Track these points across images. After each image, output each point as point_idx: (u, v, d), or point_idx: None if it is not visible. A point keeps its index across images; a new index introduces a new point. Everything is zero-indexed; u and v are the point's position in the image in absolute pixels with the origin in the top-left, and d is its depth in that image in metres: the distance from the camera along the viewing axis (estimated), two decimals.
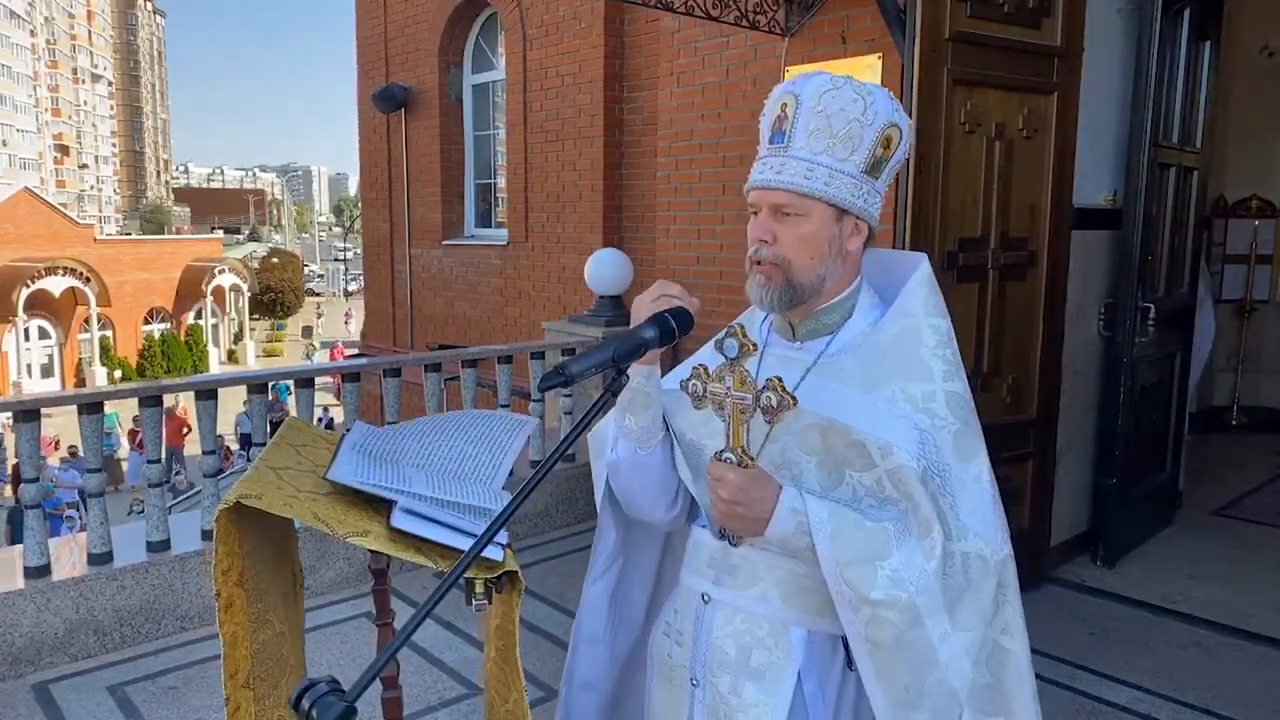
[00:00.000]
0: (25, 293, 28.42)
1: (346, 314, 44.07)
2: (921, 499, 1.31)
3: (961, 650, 1.33)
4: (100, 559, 3.81)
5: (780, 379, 1.27)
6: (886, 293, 1.48)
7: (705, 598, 1.49)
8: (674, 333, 1.43)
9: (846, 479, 1.36)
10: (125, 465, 19.24)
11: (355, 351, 13.75)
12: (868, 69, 4.44)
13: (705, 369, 1.34)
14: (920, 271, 1.45)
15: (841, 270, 1.42)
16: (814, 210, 1.37)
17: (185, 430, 18.63)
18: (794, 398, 1.26)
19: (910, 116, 3.41)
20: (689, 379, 1.36)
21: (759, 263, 1.40)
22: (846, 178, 1.37)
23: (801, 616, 1.42)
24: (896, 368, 1.38)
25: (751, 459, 1.33)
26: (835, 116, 1.36)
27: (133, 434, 18.61)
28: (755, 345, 1.29)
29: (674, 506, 1.57)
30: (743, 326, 1.30)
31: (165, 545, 3.95)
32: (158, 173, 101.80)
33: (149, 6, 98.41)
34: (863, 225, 1.41)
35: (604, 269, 5.90)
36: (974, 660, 1.34)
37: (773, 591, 1.43)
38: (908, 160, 3.49)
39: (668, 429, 1.54)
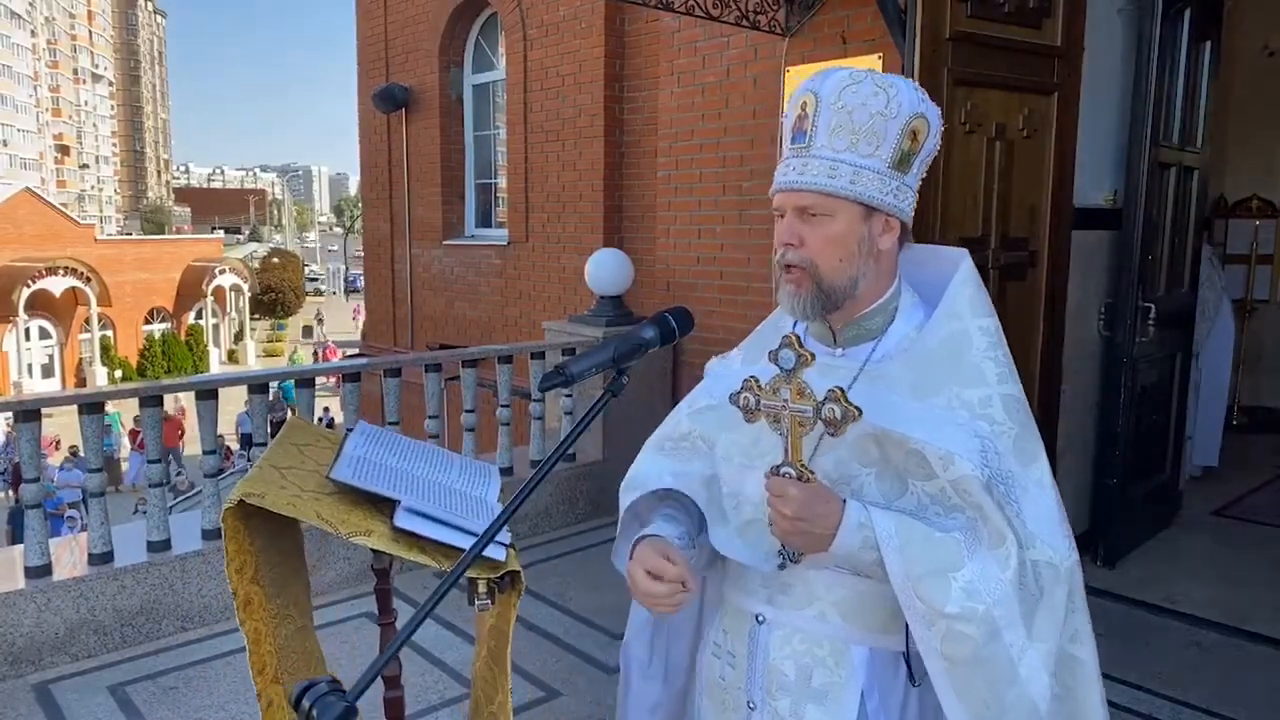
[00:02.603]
0: (26, 293, 28.43)
1: (355, 311, 43.90)
2: (990, 508, 1.26)
3: (1039, 663, 1.28)
4: (101, 559, 3.81)
5: (842, 389, 1.21)
6: (925, 290, 1.43)
7: (759, 618, 1.44)
8: (674, 333, 1.44)
9: (910, 488, 1.31)
10: (125, 466, 19.24)
11: (355, 351, 13.74)
12: (867, 69, 4.45)
13: (757, 381, 1.27)
14: (964, 269, 1.40)
15: (876, 271, 1.36)
16: (840, 210, 1.31)
17: (180, 432, 18.66)
18: (858, 409, 1.20)
19: None
20: (739, 392, 1.29)
21: (788, 269, 1.34)
22: (872, 174, 1.31)
23: (863, 635, 1.37)
24: (949, 373, 1.32)
25: (811, 473, 1.27)
26: (857, 112, 1.30)
27: (133, 434, 18.63)
28: (812, 356, 1.23)
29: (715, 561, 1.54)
30: (798, 336, 1.25)
31: (166, 545, 3.96)
32: (158, 173, 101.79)
33: (149, 6, 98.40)
34: (894, 222, 1.35)
35: (604, 269, 5.90)
36: (1052, 673, 1.29)
37: (832, 611, 1.38)
38: None
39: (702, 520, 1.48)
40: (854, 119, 1.31)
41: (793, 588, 1.40)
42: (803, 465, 1.27)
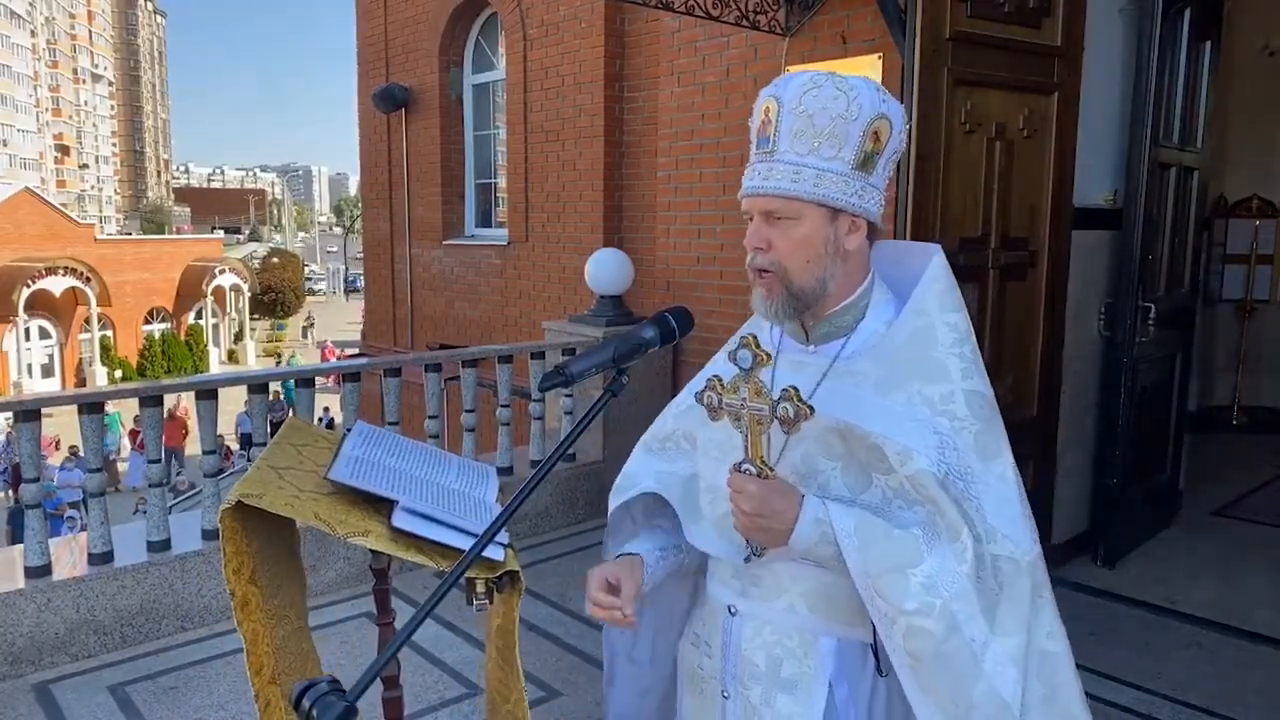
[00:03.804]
0: (26, 293, 28.41)
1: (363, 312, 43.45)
2: (945, 503, 1.28)
3: (1006, 657, 1.29)
4: (101, 559, 3.81)
5: (796, 389, 1.25)
6: (901, 287, 1.44)
7: (732, 610, 1.47)
8: (674, 333, 1.44)
9: (874, 481, 1.33)
10: (121, 467, 19.16)
11: (355, 351, 13.74)
12: (868, 69, 4.44)
13: (720, 380, 1.31)
14: (934, 265, 1.41)
15: (845, 270, 1.39)
16: (805, 212, 1.34)
17: (184, 431, 18.66)
18: (810, 407, 1.24)
19: (910, 115, 3.44)
20: (704, 391, 1.33)
21: (760, 274, 1.38)
22: (836, 176, 1.33)
23: (830, 626, 1.40)
24: (913, 369, 1.34)
25: (771, 470, 1.31)
26: (818, 115, 1.32)
27: (133, 434, 18.63)
28: (769, 355, 1.28)
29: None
30: (754, 337, 1.28)
31: (166, 545, 3.96)
32: (158, 173, 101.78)
33: (149, 6, 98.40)
34: (860, 222, 1.37)
35: (604, 269, 5.90)
36: (1020, 668, 1.30)
37: (800, 602, 1.41)
38: (908, 160, 3.51)
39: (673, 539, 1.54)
40: (815, 123, 1.33)
41: (762, 580, 1.44)
42: (763, 462, 1.30)
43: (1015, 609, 1.30)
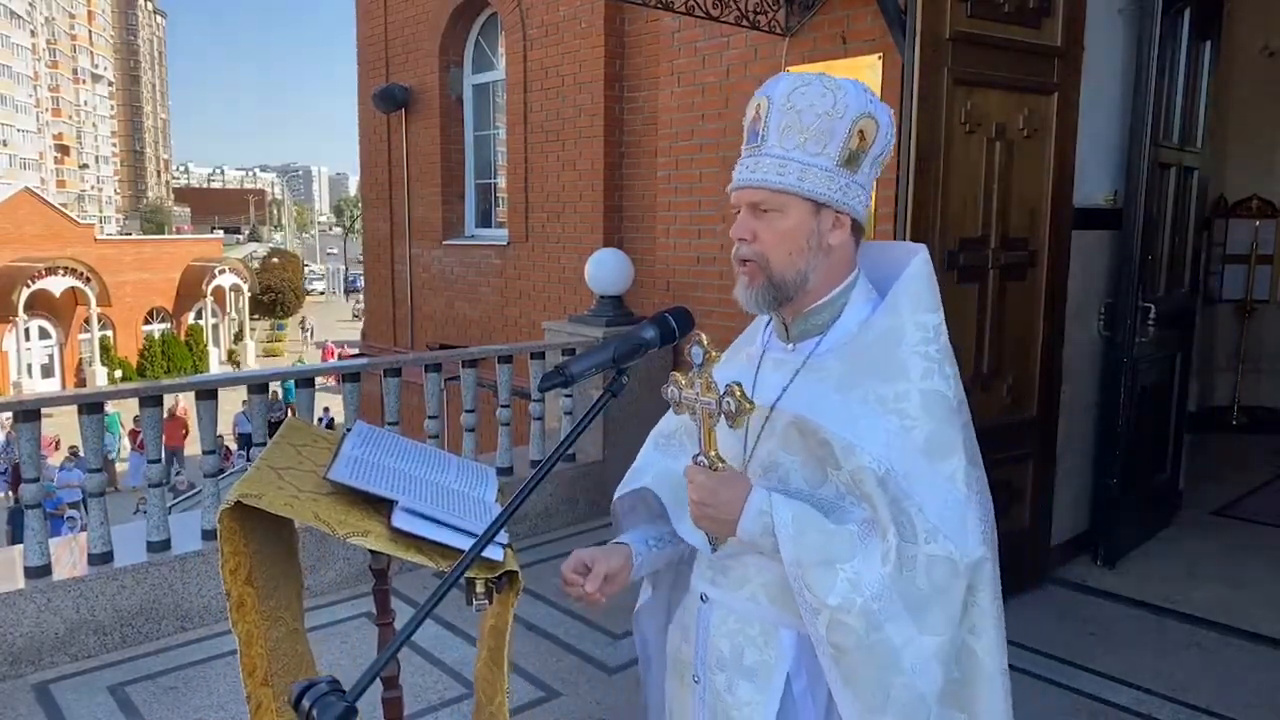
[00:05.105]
0: (26, 293, 28.40)
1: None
2: (879, 501, 1.30)
3: (930, 655, 1.30)
4: (100, 559, 3.81)
5: (739, 384, 1.29)
6: (886, 286, 1.46)
7: (704, 598, 1.52)
8: (674, 333, 1.45)
9: (830, 476, 1.36)
10: (120, 467, 19.12)
11: (356, 351, 13.74)
12: (868, 69, 4.44)
13: (679, 375, 1.37)
14: (913, 265, 1.43)
15: (826, 266, 1.41)
16: (790, 205, 1.37)
17: (184, 431, 18.65)
18: (751, 402, 1.28)
19: (909, 115, 3.44)
20: (667, 386, 1.38)
21: (743, 263, 1.41)
22: (820, 171, 1.36)
23: (790, 618, 1.41)
24: (872, 368, 1.36)
25: (723, 461, 1.35)
26: (805, 112, 1.36)
27: (133, 434, 18.61)
28: (717, 354, 1.32)
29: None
30: (703, 336, 1.32)
31: (165, 545, 3.96)
32: (158, 173, 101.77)
33: (149, 6, 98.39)
34: (844, 219, 1.39)
35: (604, 269, 5.90)
36: (945, 666, 1.32)
37: (761, 593, 1.44)
38: (908, 160, 3.51)
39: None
40: (802, 119, 1.37)
41: (730, 570, 1.48)
42: (715, 454, 1.35)
43: (946, 610, 1.31)
